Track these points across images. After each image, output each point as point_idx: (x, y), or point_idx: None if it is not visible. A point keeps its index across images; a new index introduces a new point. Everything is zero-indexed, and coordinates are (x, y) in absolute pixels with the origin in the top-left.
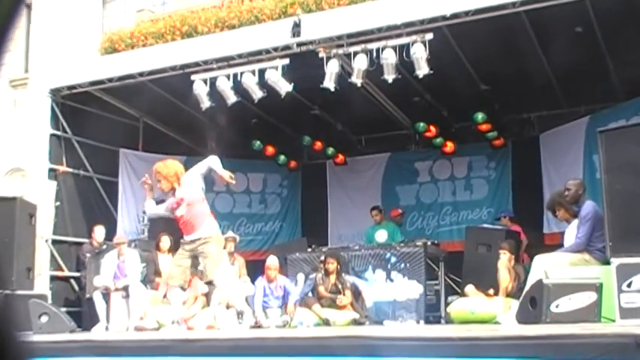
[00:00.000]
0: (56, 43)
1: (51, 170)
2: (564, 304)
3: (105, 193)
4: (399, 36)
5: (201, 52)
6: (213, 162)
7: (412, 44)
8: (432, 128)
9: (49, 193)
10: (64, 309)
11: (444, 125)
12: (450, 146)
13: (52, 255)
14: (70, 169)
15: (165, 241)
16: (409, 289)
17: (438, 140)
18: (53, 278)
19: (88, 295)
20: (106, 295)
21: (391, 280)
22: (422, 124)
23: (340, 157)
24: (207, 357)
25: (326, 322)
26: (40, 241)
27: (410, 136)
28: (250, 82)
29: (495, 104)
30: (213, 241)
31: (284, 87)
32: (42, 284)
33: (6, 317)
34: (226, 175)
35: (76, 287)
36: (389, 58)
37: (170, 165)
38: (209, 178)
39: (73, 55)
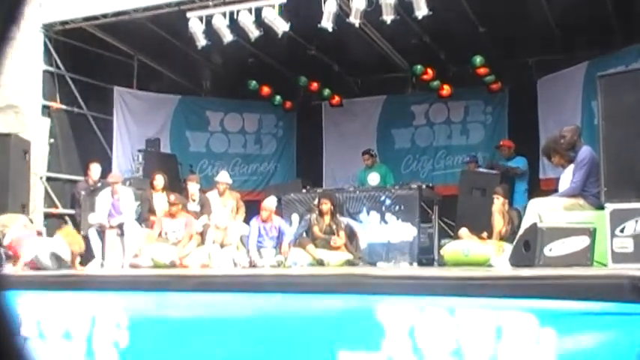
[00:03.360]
0: None
1: (44, 107)
2: (557, 248)
3: (99, 131)
4: None
5: None
6: None
7: None
8: (430, 71)
9: (43, 130)
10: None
11: (442, 68)
12: (446, 90)
13: (47, 192)
14: (64, 106)
15: (160, 180)
16: (403, 231)
17: (435, 83)
18: (48, 215)
19: (82, 233)
20: (101, 233)
21: (385, 223)
22: (419, 66)
23: (336, 99)
24: (202, 293)
25: (320, 263)
26: (35, 178)
27: (407, 79)
28: (247, 21)
29: (494, 48)
30: None
31: (281, 26)
32: (36, 221)
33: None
34: None
35: (71, 225)
36: None
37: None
38: (204, 118)
39: None
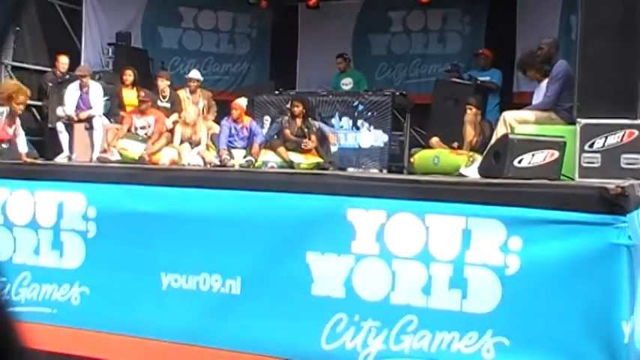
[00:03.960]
0: None
1: None
2: (527, 160)
3: (67, 22)
4: None
5: None
6: None
7: None
8: None
9: None
10: (26, 137)
11: None
12: None
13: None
14: None
15: (130, 75)
16: (374, 137)
17: None
18: None
19: (50, 125)
20: (69, 126)
21: (357, 128)
22: None
23: (313, 0)
24: (169, 187)
25: (290, 165)
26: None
27: None
28: None
29: None
30: None
31: None
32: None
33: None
34: None
35: (38, 116)
36: None
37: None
38: (177, 14)
39: None
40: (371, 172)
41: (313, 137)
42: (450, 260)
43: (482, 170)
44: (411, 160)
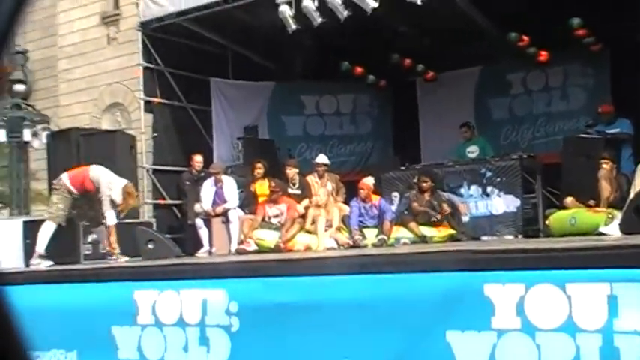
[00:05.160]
0: None
1: (146, 102)
2: None
3: (199, 122)
4: None
5: None
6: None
7: None
8: (525, 38)
9: (147, 125)
10: (168, 235)
11: (538, 33)
12: (544, 55)
13: (154, 184)
14: (164, 100)
15: (260, 168)
16: (506, 203)
17: (532, 50)
18: (156, 207)
19: (189, 222)
20: (207, 221)
21: (487, 195)
22: (514, 34)
23: (430, 73)
24: (308, 276)
25: (423, 239)
26: (141, 171)
27: (501, 48)
28: (335, 2)
29: (591, 8)
30: None
31: (370, 4)
32: (145, 213)
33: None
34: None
35: (178, 214)
36: None
37: None
38: (299, 102)
39: None
40: (506, 238)
41: (445, 208)
42: (598, 329)
43: (623, 227)
44: (547, 222)
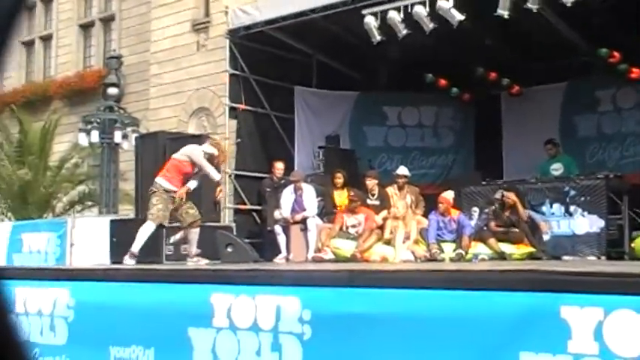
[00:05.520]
0: None
1: (231, 109)
2: None
3: (282, 129)
4: None
5: None
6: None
7: None
8: (616, 54)
9: (231, 130)
10: (247, 240)
11: (630, 49)
12: (636, 72)
13: (235, 189)
14: (249, 107)
15: (340, 177)
16: (589, 223)
17: (623, 67)
18: (236, 211)
19: (269, 228)
20: (286, 228)
21: (570, 214)
22: (604, 49)
23: (515, 88)
24: (383, 289)
25: (502, 256)
26: (224, 176)
27: (590, 63)
28: (421, 14)
29: None
30: None
31: (455, 16)
32: (227, 217)
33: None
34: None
35: (258, 220)
36: None
37: None
38: (382, 113)
39: None
40: (588, 259)
41: (524, 226)
42: None
43: None
44: (632, 245)
